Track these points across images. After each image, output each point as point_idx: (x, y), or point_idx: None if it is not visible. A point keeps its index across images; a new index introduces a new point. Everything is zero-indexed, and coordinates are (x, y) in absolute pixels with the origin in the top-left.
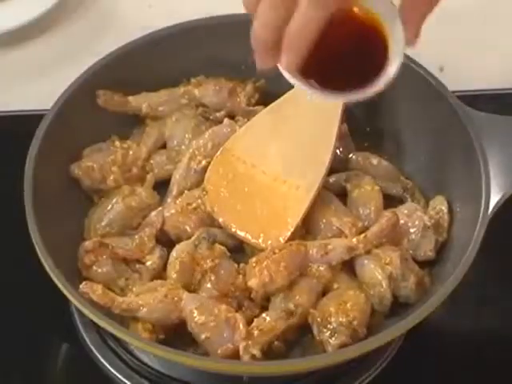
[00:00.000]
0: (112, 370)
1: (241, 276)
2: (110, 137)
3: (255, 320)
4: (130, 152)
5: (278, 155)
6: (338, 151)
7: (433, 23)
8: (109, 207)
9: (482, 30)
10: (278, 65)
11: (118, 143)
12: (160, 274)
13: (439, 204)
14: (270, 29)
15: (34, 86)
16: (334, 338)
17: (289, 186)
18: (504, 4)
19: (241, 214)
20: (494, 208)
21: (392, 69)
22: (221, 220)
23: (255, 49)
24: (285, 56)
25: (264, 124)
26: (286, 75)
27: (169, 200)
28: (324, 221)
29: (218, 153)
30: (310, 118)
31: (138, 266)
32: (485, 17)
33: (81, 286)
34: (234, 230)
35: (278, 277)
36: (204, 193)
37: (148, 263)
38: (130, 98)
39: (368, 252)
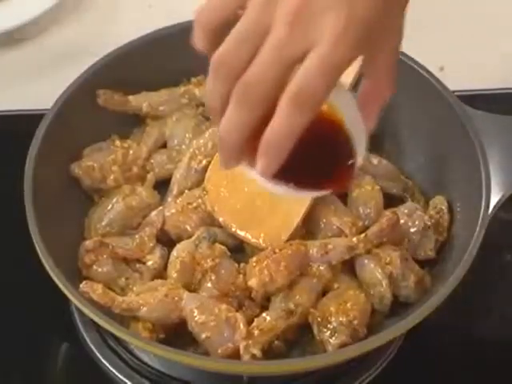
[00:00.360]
0: (112, 370)
1: (241, 276)
2: (110, 136)
3: (255, 320)
4: (131, 151)
5: None
6: None
7: (433, 23)
8: (109, 207)
9: (482, 30)
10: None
11: (118, 143)
12: (161, 273)
13: (439, 204)
14: (242, 133)
15: (33, 85)
16: (334, 338)
17: None
18: (504, 3)
19: (241, 214)
20: (494, 208)
21: (358, 160)
22: (221, 219)
23: (220, 149)
24: (261, 163)
25: None
26: (258, 178)
27: (169, 199)
28: (324, 220)
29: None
30: None
31: (138, 265)
32: (485, 16)
33: (81, 286)
34: (234, 229)
35: (278, 276)
36: (204, 192)
37: (149, 263)
38: (130, 98)
39: (368, 252)
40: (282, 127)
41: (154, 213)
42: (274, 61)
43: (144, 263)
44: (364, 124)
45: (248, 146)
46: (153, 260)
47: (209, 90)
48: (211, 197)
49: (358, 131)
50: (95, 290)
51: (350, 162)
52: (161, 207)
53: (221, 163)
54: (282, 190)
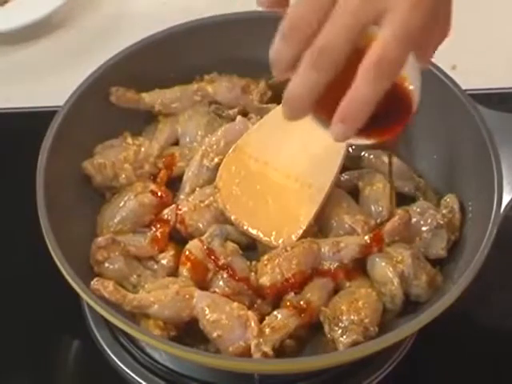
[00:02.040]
0: (123, 367)
1: (253, 273)
2: (123, 133)
3: (266, 318)
4: (142, 149)
5: (290, 153)
6: (350, 149)
7: None
8: (121, 204)
9: (495, 29)
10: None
11: (130, 140)
12: (174, 271)
13: (451, 202)
14: (312, 94)
15: (47, 82)
16: (345, 337)
17: (301, 184)
18: None
19: (253, 212)
20: (506, 207)
21: (414, 105)
22: (233, 218)
23: (287, 106)
24: (338, 129)
25: (276, 121)
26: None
27: (181, 197)
28: (336, 219)
29: (230, 150)
30: None
31: (150, 263)
32: (497, 15)
33: (92, 283)
34: (245, 227)
35: (289, 275)
36: (216, 190)
37: (164, 261)
38: (143, 95)
39: (380, 250)
40: (363, 95)
41: (166, 210)
42: (348, 25)
43: (157, 261)
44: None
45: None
46: (167, 258)
47: (277, 50)
48: (223, 195)
49: (414, 77)
50: (106, 287)
51: (407, 110)
52: (173, 205)
53: (285, 115)
54: (360, 141)
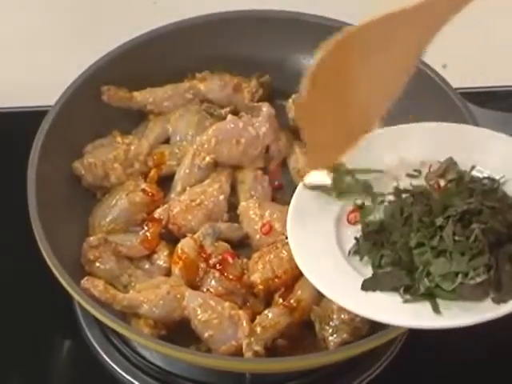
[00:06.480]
0: (114, 366)
1: (245, 271)
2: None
3: (258, 317)
4: (132, 147)
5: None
6: None
7: None
8: (113, 203)
9: (485, 28)
10: None
11: (119, 138)
12: (170, 272)
13: None
14: None
15: (37, 81)
16: (335, 336)
17: None
18: (507, 1)
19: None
20: None
21: None
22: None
23: None
24: None
25: None
26: None
27: (173, 196)
28: None
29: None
30: None
31: (141, 263)
32: (487, 14)
33: (82, 282)
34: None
35: (280, 272)
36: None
37: (159, 262)
38: (135, 94)
39: None
40: None
41: (159, 210)
42: None
43: (152, 262)
44: None
45: None
46: (162, 259)
47: None
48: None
49: None
50: (96, 287)
51: None
52: (166, 205)
53: None
54: None
